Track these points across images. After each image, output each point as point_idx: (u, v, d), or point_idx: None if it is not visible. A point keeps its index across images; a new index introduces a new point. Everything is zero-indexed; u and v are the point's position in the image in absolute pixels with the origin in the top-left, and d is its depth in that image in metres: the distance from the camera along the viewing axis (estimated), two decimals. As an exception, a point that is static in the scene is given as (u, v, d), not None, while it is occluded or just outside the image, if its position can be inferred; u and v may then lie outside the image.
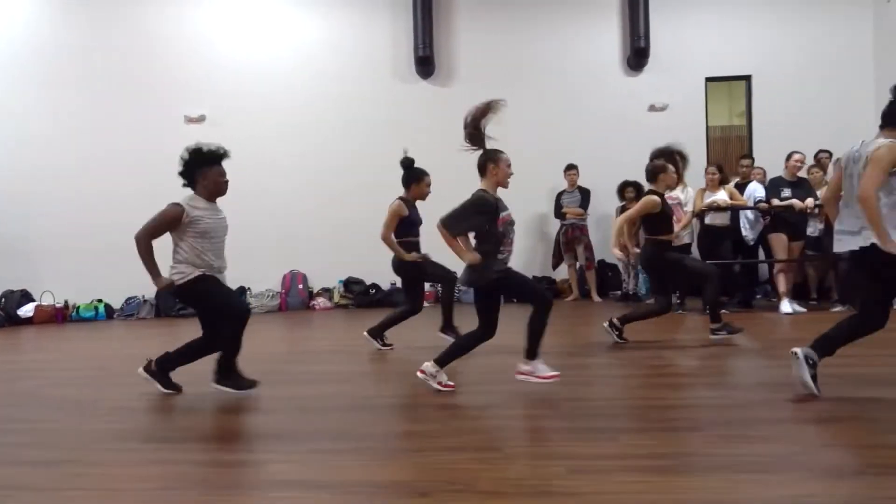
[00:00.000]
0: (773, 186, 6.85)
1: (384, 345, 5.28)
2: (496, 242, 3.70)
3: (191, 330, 4.28)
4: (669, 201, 7.10)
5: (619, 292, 8.45)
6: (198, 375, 4.10)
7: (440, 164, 8.89)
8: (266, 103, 8.94)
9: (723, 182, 7.04)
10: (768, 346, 5.11)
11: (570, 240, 8.35)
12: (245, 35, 9.04)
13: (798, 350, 3.45)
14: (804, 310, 6.73)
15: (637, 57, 8.87)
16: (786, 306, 6.64)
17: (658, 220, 5.11)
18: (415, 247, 5.24)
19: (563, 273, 8.71)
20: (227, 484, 2.52)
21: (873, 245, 3.33)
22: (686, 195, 7.09)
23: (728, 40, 8.99)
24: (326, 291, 8.85)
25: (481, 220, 3.68)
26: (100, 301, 8.65)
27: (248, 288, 8.85)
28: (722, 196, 6.88)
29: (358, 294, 8.74)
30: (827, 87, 8.88)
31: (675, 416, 3.28)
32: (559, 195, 8.50)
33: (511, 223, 3.79)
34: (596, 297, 8.31)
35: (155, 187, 8.96)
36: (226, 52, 9.00)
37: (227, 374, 3.91)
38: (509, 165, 3.78)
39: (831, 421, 3.07)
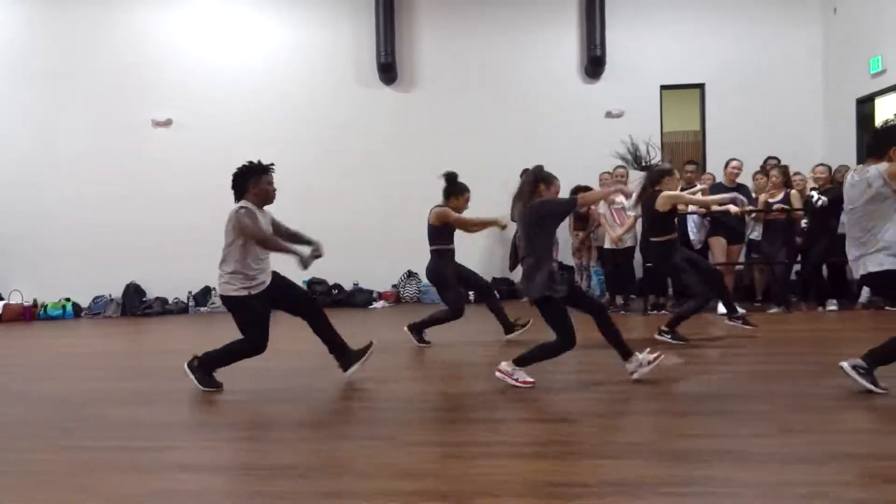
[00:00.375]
0: (713, 192, 7.11)
1: (422, 341, 5.46)
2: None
3: (157, 328, 4.52)
4: (615, 206, 7.41)
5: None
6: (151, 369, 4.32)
7: (401, 168, 9.18)
8: (232, 107, 9.16)
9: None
10: (688, 345, 5.31)
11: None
12: (211, 40, 9.25)
13: (844, 364, 3.52)
14: (743, 311, 6.97)
15: (593, 65, 9.13)
16: (722, 307, 6.89)
17: (666, 221, 5.24)
18: (452, 254, 5.50)
19: (520, 274, 8.95)
20: (128, 468, 2.75)
21: (871, 273, 3.52)
22: (630, 200, 7.33)
23: (682, 50, 9.26)
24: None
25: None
26: (67, 300, 8.85)
27: (213, 288, 9.06)
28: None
29: (321, 294, 8.97)
30: (777, 95, 9.16)
31: (556, 409, 3.54)
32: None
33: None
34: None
35: (122, 189, 9.24)
36: (193, 57, 9.21)
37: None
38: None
39: (691, 414, 3.32)
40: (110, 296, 8.88)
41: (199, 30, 9.26)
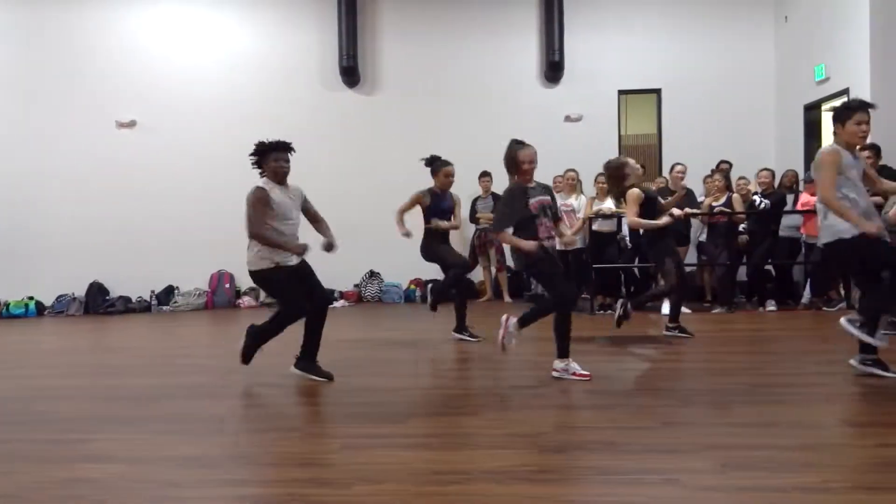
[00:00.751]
0: (660, 196, 7.32)
1: (472, 336, 5.66)
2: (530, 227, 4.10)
3: (117, 326, 4.64)
4: (564, 209, 7.60)
5: (528, 293, 8.91)
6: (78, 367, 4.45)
7: (362, 170, 9.34)
8: (195, 108, 9.28)
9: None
10: (618, 342, 5.50)
11: (484, 243, 8.79)
12: (176, 41, 9.36)
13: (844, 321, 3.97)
14: (689, 311, 7.19)
15: (552, 70, 9.33)
16: (665, 307, 7.11)
17: (650, 211, 5.46)
18: (432, 232, 5.75)
19: (479, 275, 9.14)
20: (47, 459, 2.90)
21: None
22: (579, 202, 7.55)
23: (639, 55, 9.48)
24: (252, 290, 9.21)
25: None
26: (31, 298, 8.93)
27: (177, 287, 9.18)
28: (608, 204, 7.35)
29: (284, 293, 9.10)
30: (731, 101, 9.39)
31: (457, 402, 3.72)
32: (474, 201, 8.93)
33: (544, 207, 4.20)
34: (507, 298, 8.76)
35: (87, 188, 9.33)
36: (157, 58, 9.31)
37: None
38: (531, 162, 4.18)
39: (589, 408, 3.51)
40: (73, 294, 8.97)
41: (162, 31, 9.36)
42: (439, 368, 4.90)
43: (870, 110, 3.91)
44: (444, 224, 5.71)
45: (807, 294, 7.46)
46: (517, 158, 4.17)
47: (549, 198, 4.29)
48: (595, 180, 7.66)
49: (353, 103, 9.44)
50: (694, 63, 9.44)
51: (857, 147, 4.00)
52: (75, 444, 3.11)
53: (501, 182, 8.74)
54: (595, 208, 7.40)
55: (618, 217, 7.43)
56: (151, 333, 7.25)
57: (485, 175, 8.76)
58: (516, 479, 2.50)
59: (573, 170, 7.69)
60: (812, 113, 8.54)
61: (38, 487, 2.56)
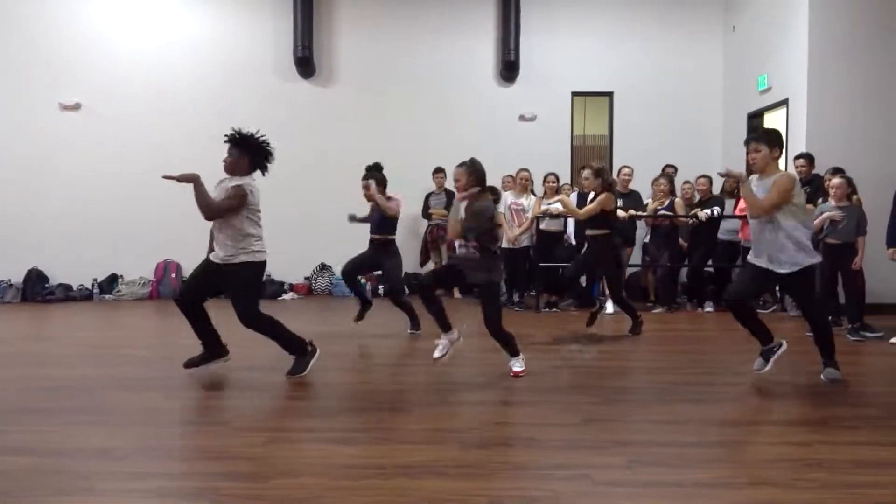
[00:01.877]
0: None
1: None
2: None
3: (56, 315, 4.43)
4: (514, 208, 7.70)
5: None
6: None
7: (316, 162, 9.27)
8: (145, 94, 9.03)
9: (558, 191, 7.64)
10: (560, 341, 5.61)
11: (436, 238, 8.83)
12: (127, 24, 9.09)
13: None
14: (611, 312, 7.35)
15: (508, 69, 9.40)
16: (609, 307, 7.28)
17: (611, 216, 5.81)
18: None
19: (430, 270, 9.17)
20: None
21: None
22: (529, 202, 7.65)
23: (593, 59, 9.61)
24: (199, 281, 9.05)
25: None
26: (-35, 284, 8.62)
27: (121, 275, 8.97)
28: (556, 205, 7.47)
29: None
30: (680, 106, 9.61)
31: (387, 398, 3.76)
32: (427, 196, 8.95)
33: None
34: (457, 294, 8.83)
35: (26, 173, 9.03)
36: (106, 41, 9.02)
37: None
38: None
39: (519, 404, 3.59)
40: (10, 281, 8.68)
41: (114, 14, 9.08)
42: (380, 364, 4.93)
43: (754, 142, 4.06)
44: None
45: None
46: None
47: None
48: (544, 179, 7.77)
49: (308, 95, 9.35)
50: (646, 68, 9.62)
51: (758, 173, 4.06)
52: (-10, 435, 3.04)
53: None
54: (543, 207, 7.50)
55: (564, 217, 7.56)
56: (89, 322, 7.09)
57: (438, 171, 8.79)
58: (431, 473, 2.56)
59: (526, 169, 7.77)
60: (755, 121, 8.82)
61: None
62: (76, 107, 8.96)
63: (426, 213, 8.92)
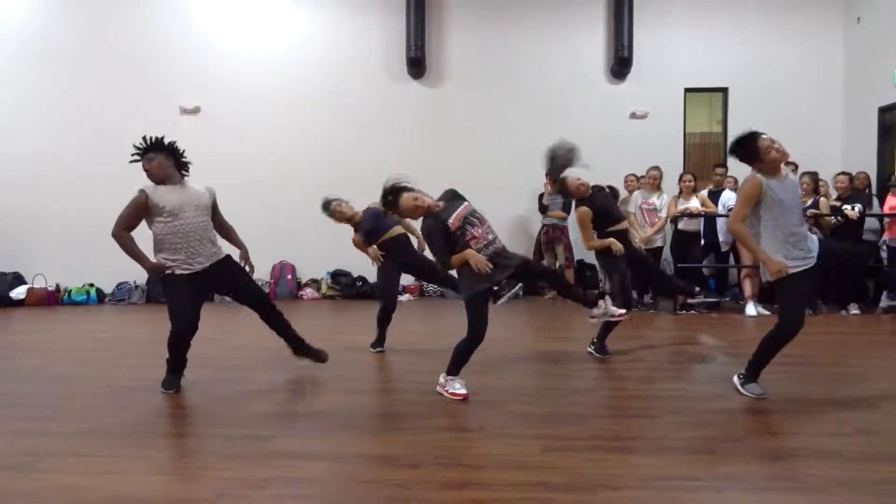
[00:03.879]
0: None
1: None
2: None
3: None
4: (645, 207, 7.53)
5: (596, 291, 8.82)
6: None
7: (427, 164, 9.23)
8: (259, 97, 9.14)
9: (695, 190, 7.44)
10: (730, 344, 5.47)
11: (551, 239, 8.70)
12: (240, 28, 9.22)
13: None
14: (768, 312, 7.13)
15: (620, 66, 9.21)
16: (750, 309, 7.05)
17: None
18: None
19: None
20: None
21: None
22: (661, 201, 7.47)
23: (707, 54, 9.37)
24: (314, 282, 9.11)
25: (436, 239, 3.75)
26: (91, 285, 8.82)
27: (238, 277, 9.07)
28: (694, 203, 7.27)
29: (345, 286, 9.02)
30: (798, 102, 9.28)
31: (638, 405, 3.64)
32: (541, 196, 8.82)
33: (465, 216, 3.80)
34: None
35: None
36: (222, 45, 9.17)
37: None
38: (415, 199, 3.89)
39: (771, 412, 3.44)
40: (135, 282, 8.86)
41: (227, 18, 9.22)
42: (585, 368, 4.81)
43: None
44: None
45: (885, 297, 7.39)
46: (402, 205, 3.84)
47: (463, 202, 3.92)
48: (679, 179, 7.57)
49: (419, 95, 9.32)
50: (761, 63, 9.32)
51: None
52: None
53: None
54: (680, 207, 7.31)
55: (704, 216, 7.36)
56: (223, 322, 7.16)
57: (553, 172, 8.64)
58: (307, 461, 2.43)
59: (656, 168, 7.60)
60: (887, 115, 8.47)
61: None
62: (195, 110, 9.10)
63: (543, 211, 8.78)
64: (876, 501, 2.31)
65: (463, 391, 3.68)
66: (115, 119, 9.03)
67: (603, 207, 4.82)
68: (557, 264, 8.89)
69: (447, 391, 3.73)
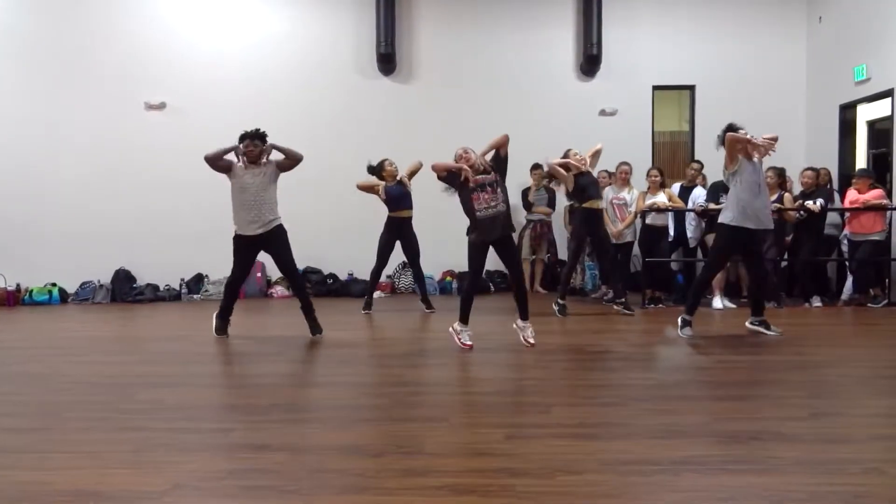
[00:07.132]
0: (714, 191, 7.34)
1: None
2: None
3: (144, 314, 4.48)
4: (616, 202, 7.59)
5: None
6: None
7: (397, 160, 9.13)
8: (227, 92, 9.00)
9: (662, 185, 7.52)
10: (696, 334, 5.51)
11: (539, 235, 8.72)
12: (207, 23, 9.07)
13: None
14: (734, 305, 7.25)
15: (589, 63, 9.28)
16: (717, 302, 7.16)
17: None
18: (390, 221, 7.16)
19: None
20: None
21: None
22: (630, 196, 7.53)
23: (674, 52, 9.48)
24: (284, 280, 9.01)
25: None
26: (54, 285, 8.61)
27: (206, 275, 8.95)
28: (661, 198, 7.35)
29: (315, 283, 8.94)
30: (763, 100, 9.44)
31: (603, 393, 3.67)
32: (525, 192, 8.83)
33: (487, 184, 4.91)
34: (539, 289, 8.77)
35: (112, 173, 9.03)
36: (188, 41, 9.01)
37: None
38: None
39: (733, 398, 3.50)
40: (99, 282, 8.67)
41: (194, 13, 9.07)
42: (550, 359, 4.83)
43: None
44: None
45: (847, 290, 7.55)
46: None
47: (490, 175, 4.98)
48: (647, 174, 7.64)
49: (388, 91, 9.28)
50: (726, 62, 9.47)
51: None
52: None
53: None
54: (648, 202, 7.38)
55: (672, 211, 7.45)
56: (193, 321, 7.04)
57: (536, 167, 8.71)
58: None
59: (626, 163, 7.67)
60: (848, 113, 8.67)
61: None
62: (161, 106, 8.94)
63: (528, 207, 8.79)
64: (828, 480, 2.36)
65: (469, 342, 4.72)
66: (79, 116, 8.84)
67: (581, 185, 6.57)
68: (544, 258, 8.92)
69: (459, 340, 4.75)
